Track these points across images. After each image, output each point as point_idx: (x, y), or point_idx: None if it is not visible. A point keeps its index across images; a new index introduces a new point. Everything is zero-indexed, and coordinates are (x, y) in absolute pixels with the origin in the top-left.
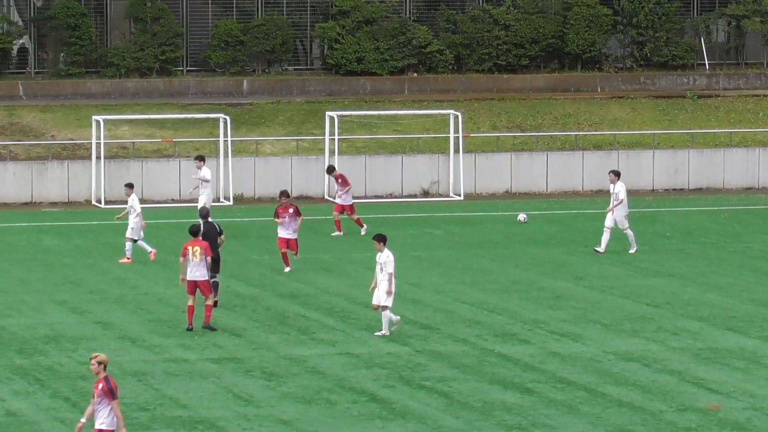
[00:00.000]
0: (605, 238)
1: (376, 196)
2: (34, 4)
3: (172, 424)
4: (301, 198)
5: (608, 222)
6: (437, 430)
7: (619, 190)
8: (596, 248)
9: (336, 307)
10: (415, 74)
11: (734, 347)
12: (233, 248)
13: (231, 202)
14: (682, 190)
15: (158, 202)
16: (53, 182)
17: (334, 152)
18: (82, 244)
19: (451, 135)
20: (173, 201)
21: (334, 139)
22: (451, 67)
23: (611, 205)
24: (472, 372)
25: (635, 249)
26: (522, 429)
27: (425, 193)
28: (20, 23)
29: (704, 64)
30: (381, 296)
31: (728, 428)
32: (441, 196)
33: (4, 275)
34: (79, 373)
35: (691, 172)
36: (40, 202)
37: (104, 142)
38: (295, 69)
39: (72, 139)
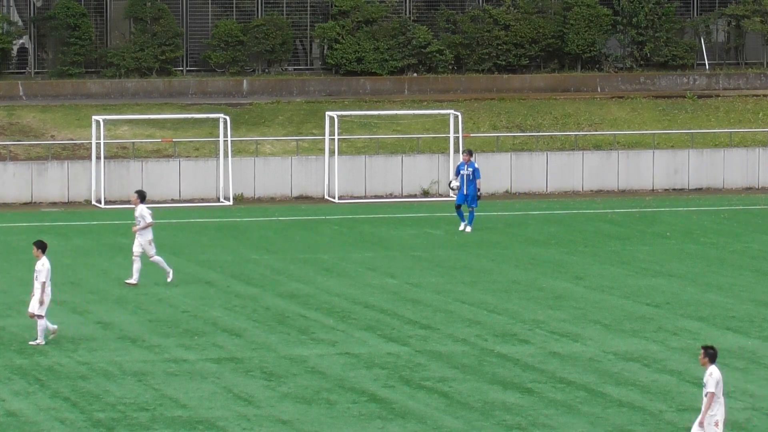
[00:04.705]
0: (136, 266)
1: (376, 196)
2: (34, 4)
3: (172, 424)
4: (301, 198)
5: (136, 248)
6: (437, 430)
7: (143, 213)
8: (127, 280)
9: (336, 307)
10: (415, 74)
11: (734, 347)
12: (233, 248)
13: (231, 202)
14: (682, 190)
15: (158, 203)
16: (53, 182)
17: (334, 152)
18: (82, 244)
19: (451, 135)
20: (173, 201)
21: (334, 139)
22: (451, 67)
23: (137, 227)
24: (472, 372)
25: (170, 278)
26: (522, 429)
27: (425, 193)
28: (20, 23)
29: (704, 64)
30: (34, 305)
31: (728, 428)
32: (441, 196)
33: (4, 275)
34: (79, 373)
35: (691, 172)
36: (40, 203)
37: (104, 142)
38: (295, 69)
39: (72, 139)
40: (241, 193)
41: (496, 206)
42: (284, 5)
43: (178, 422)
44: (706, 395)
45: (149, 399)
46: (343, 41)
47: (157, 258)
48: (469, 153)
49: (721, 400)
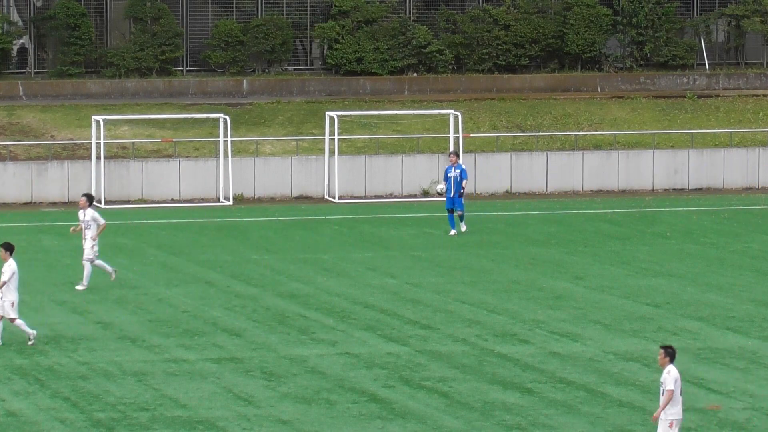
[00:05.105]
0: (99, 264)
1: (376, 196)
2: (34, 4)
3: (172, 424)
4: (301, 198)
5: (88, 254)
6: (437, 430)
7: (94, 216)
8: (112, 279)
9: (336, 307)
10: (415, 74)
11: (734, 347)
12: (233, 248)
13: (231, 202)
14: (682, 190)
15: (158, 202)
16: (53, 182)
17: (334, 152)
18: (82, 244)
19: (451, 135)
20: (173, 201)
21: (334, 139)
22: (451, 67)
23: (90, 234)
24: (472, 372)
25: (84, 286)
26: (522, 429)
27: (425, 193)
28: (20, 23)
29: (704, 64)
30: (7, 309)
31: (728, 428)
32: (441, 196)
33: None
34: (79, 373)
35: (691, 172)
36: (40, 202)
37: (104, 142)
38: (295, 69)
39: (72, 139)
40: (241, 193)
41: (496, 206)
42: (284, 5)
43: (178, 422)
44: (662, 393)
45: (149, 399)
46: (343, 41)
47: (88, 265)
48: (456, 155)
49: (679, 400)
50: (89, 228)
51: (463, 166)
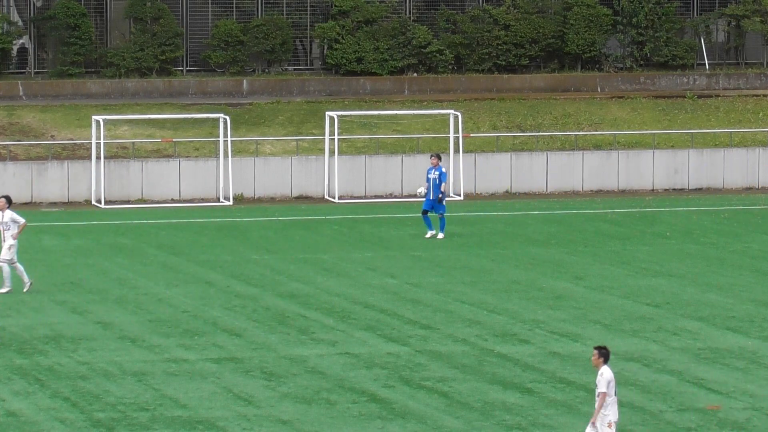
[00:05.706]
0: (6, 273)
1: (376, 196)
2: (34, 4)
3: (172, 424)
4: (301, 198)
5: (5, 255)
6: (437, 430)
7: (13, 217)
8: (6, 290)
9: (336, 307)
10: (415, 74)
11: (734, 347)
12: (233, 248)
13: (231, 202)
14: (682, 190)
15: (158, 202)
16: (53, 182)
17: (334, 152)
18: (82, 244)
19: (451, 135)
20: (173, 201)
21: (334, 139)
22: (451, 67)
23: (11, 234)
24: (472, 372)
25: (8, 288)
26: (522, 429)
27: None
28: (20, 23)
29: (704, 64)
30: None
31: (728, 428)
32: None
33: None
34: (79, 373)
35: (691, 172)
36: (40, 203)
37: (104, 142)
38: (295, 69)
39: (72, 139)
40: (241, 193)
41: (496, 206)
42: (284, 5)
43: (178, 422)
44: (598, 395)
45: (149, 399)
46: (343, 41)
47: (6, 267)
48: (438, 157)
49: (614, 399)
50: (8, 230)
51: (443, 170)
